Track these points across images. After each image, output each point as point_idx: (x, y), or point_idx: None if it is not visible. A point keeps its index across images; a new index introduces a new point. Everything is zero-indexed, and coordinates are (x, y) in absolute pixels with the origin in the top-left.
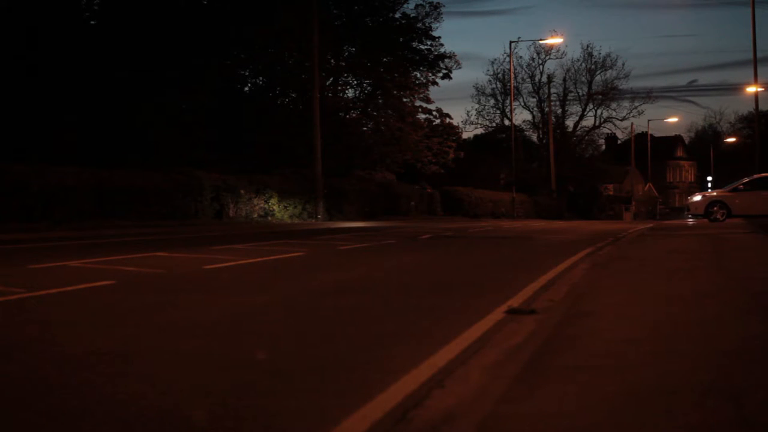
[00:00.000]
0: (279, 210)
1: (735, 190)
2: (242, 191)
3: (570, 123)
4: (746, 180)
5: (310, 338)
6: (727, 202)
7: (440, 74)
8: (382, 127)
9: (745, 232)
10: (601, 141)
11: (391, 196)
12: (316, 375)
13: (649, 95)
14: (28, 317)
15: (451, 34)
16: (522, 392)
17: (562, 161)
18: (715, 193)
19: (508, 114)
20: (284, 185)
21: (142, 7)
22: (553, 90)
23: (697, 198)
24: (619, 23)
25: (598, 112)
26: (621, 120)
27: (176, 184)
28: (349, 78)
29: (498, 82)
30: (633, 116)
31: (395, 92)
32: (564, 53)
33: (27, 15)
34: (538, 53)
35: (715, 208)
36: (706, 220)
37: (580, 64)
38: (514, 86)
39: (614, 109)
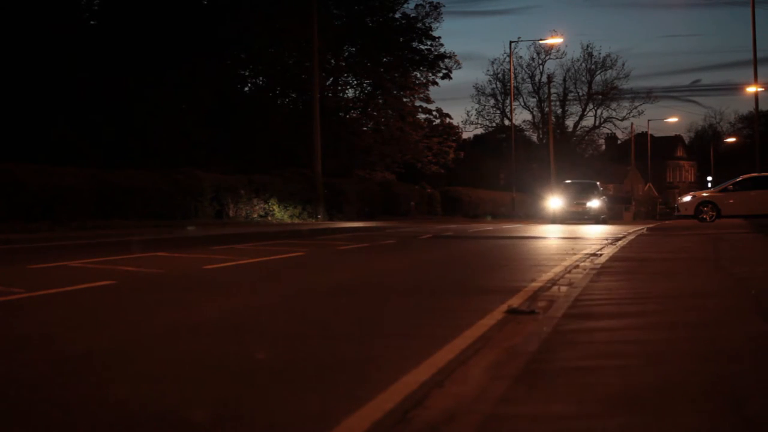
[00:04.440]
0: (279, 210)
1: (725, 190)
2: (242, 191)
3: (570, 123)
4: (736, 180)
5: (310, 338)
6: (717, 202)
7: (440, 74)
8: (382, 127)
9: (746, 232)
10: (601, 141)
11: (391, 196)
12: (316, 375)
13: (649, 95)
14: (28, 317)
15: (451, 34)
16: (522, 392)
17: (562, 161)
18: (705, 194)
19: (508, 114)
20: (284, 185)
21: (142, 8)
22: (553, 90)
23: (687, 198)
24: (621, 23)
25: (598, 112)
26: (621, 120)
27: (176, 184)
28: (349, 78)
29: (498, 82)
30: (633, 116)
31: (395, 92)
32: (564, 53)
33: (27, 15)
34: (538, 53)
35: (705, 209)
36: (696, 220)
37: (580, 64)
38: (514, 86)
39: (614, 109)
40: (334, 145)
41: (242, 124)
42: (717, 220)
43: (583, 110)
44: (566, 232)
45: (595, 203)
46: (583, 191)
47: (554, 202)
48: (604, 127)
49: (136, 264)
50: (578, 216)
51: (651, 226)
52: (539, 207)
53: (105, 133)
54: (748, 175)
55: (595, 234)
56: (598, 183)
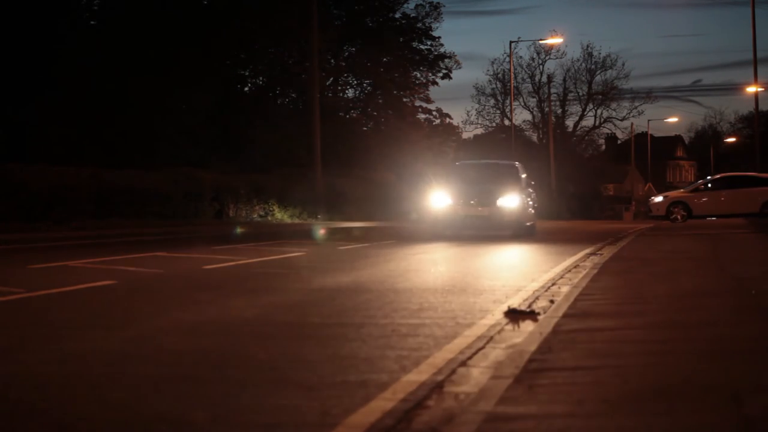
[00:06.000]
0: (279, 210)
1: (696, 190)
2: (242, 191)
3: (570, 123)
4: (707, 179)
5: (310, 338)
6: (688, 202)
7: (440, 74)
8: (382, 127)
9: (745, 232)
10: (601, 141)
11: (391, 196)
12: (315, 375)
13: (649, 95)
14: (28, 317)
15: (451, 34)
16: (522, 392)
17: (562, 161)
18: (676, 194)
19: (508, 114)
20: (284, 185)
21: (142, 8)
22: (553, 90)
23: (659, 199)
24: (621, 23)
25: (598, 112)
26: (621, 120)
27: (176, 185)
28: (349, 78)
29: (498, 82)
30: (633, 116)
31: (395, 92)
32: (564, 53)
33: (28, 15)
34: (538, 53)
35: (676, 209)
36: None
37: (580, 64)
38: (514, 86)
39: (614, 109)
40: (334, 145)
41: (242, 124)
42: (689, 221)
43: (583, 110)
44: (566, 232)
45: (511, 201)
46: (491, 180)
47: (439, 198)
48: (604, 127)
49: (136, 264)
50: (480, 224)
51: (650, 225)
52: (418, 207)
53: (105, 132)
54: (719, 175)
55: (595, 233)
56: (517, 164)
